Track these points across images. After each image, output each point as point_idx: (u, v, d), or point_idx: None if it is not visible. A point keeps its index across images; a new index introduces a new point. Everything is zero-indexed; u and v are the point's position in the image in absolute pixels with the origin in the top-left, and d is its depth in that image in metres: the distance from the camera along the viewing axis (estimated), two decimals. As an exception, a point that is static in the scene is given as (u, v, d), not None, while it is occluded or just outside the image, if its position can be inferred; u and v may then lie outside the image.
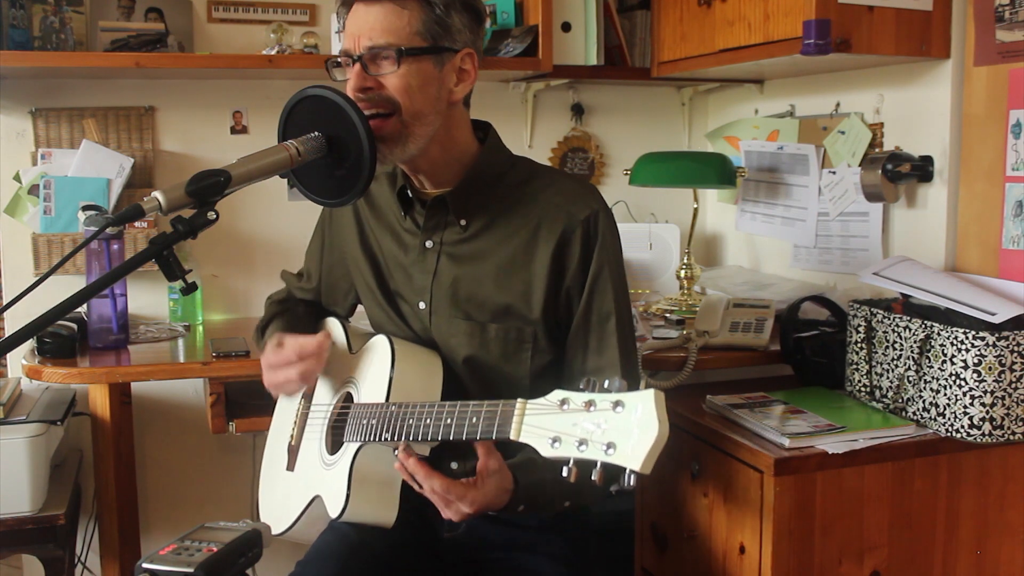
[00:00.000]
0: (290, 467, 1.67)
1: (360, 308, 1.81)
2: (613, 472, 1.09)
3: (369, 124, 1.39)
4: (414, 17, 1.45)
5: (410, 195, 1.60)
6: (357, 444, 1.48)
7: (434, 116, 1.50)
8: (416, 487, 1.38)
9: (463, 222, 1.56)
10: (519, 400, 1.21)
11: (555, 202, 1.54)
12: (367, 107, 1.44)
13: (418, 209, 1.60)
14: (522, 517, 1.60)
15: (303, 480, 1.61)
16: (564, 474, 1.12)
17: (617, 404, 1.09)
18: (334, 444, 1.57)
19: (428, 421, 1.35)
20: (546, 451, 1.14)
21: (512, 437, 1.19)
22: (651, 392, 1.08)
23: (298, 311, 1.81)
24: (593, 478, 1.09)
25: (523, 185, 1.58)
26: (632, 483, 1.07)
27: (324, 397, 1.66)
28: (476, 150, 1.58)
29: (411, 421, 1.38)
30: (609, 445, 1.08)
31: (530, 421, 1.18)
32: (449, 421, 1.31)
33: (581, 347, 1.55)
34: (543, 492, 1.43)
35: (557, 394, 1.16)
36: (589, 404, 1.12)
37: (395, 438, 1.40)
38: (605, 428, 1.09)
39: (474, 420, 1.27)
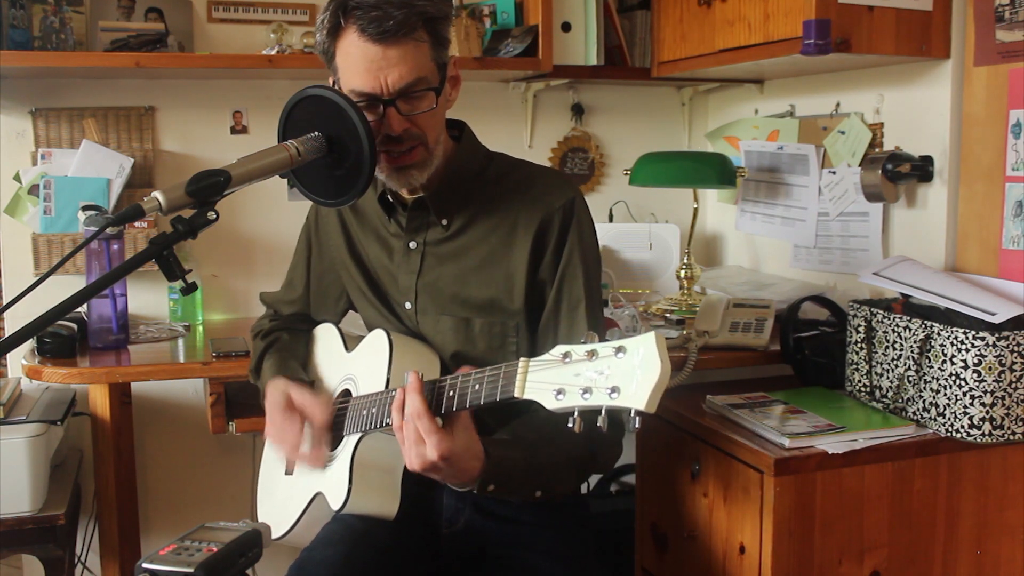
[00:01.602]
0: (288, 471, 1.67)
1: (350, 314, 1.82)
2: (619, 417, 1.10)
3: (371, 129, 1.39)
4: (428, 46, 1.44)
5: (391, 199, 1.60)
6: (358, 435, 1.49)
7: (443, 130, 1.53)
8: (398, 414, 1.33)
9: (444, 221, 1.58)
10: (521, 359, 1.21)
11: (532, 194, 1.56)
12: (404, 147, 1.46)
13: (401, 211, 1.61)
14: (505, 507, 1.60)
15: (302, 481, 1.61)
16: (570, 424, 1.12)
17: (619, 350, 1.10)
18: (333, 441, 1.57)
19: (430, 398, 1.35)
20: (551, 404, 1.14)
21: (516, 395, 1.20)
22: (651, 334, 1.09)
23: (283, 339, 1.78)
24: (599, 424, 1.10)
25: (501, 180, 1.59)
26: (637, 425, 1.08)
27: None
28: (452, 149, 1.59)
29: None
30: (613, 389, 1.09)
31: (533, 377, 1.18)
32: (452, 393, 1.31)
33: (552, 334, 1.56)
34: (513, 474, 1.40)
35: (559, 348, 1.16)
36: (591, 354, 1.12)
37: None
38: (608, 374, 1.10)
39: (476, 387, 1.28)
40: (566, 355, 1.15)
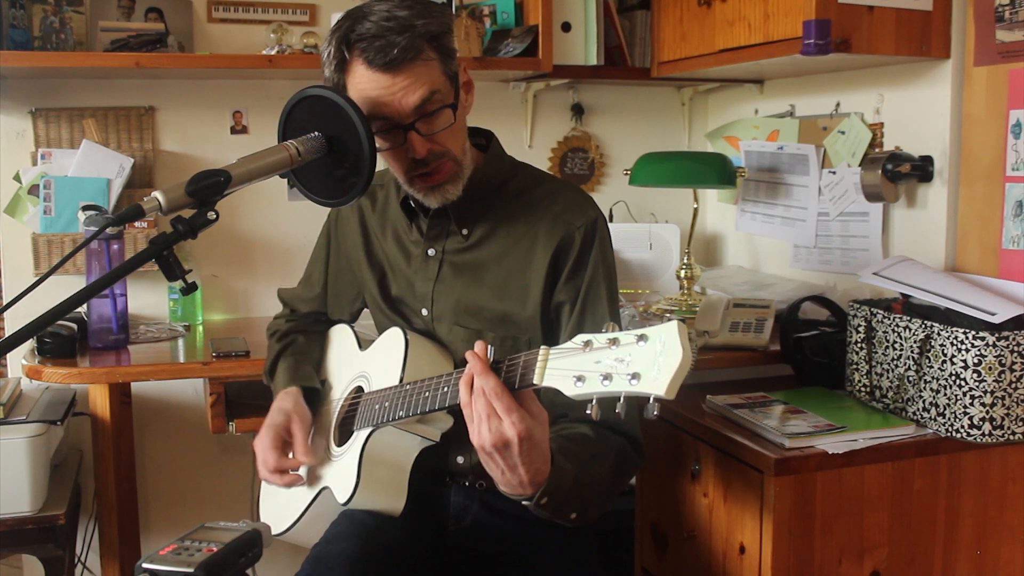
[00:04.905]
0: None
1: (364, 312, 1.81)
2: (638, 404, 1.09)
3: (370, 125, 1.39)
4: (437, 62, 1.43)
5: (413, 205, 1.60)
6: (368, 430, 1.49)
7: (466, 138, 1.53)
8: (466, 390, 1.24)
9: (464, 231, 1.58)
10: (542, 347, 1.21)
11: (554, 211, 1.56)
12: (432, 167, 1.46)
13: (422, 217, 1.61)
14: (513, 505, 1.58)
15: (308, 477, 1.61)
16: (588, 411, 1.12)
17: (641, 338, 1.10)
18: (342, 437, 1.57)
19: (446, 389, 1.35)
20: (570, 391, 1.14)
21: (535, 382, 1.19)
22: (674, 323, 1.09)
23: (299, 342, 1.77)
24: (617, 411, 1.09)
25: (524, 194, 1.59)
26: (656, 412, 1.07)
27: (334, 395, 1.66)
28: (477, 158, 1.59)
29: (427, 393, 1.38)
30: (633, 376, 1.08)
31: (553, 365, 1.18)
32: None
33: None
34: (562, 487, 1.32)
35: (580, 337, 1.16)
36: (613, 341, 1.12)
37: (411, 413, 1.40)
38: (629, 361, 1.09)
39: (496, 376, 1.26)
40: (587, 343, 1.14)
